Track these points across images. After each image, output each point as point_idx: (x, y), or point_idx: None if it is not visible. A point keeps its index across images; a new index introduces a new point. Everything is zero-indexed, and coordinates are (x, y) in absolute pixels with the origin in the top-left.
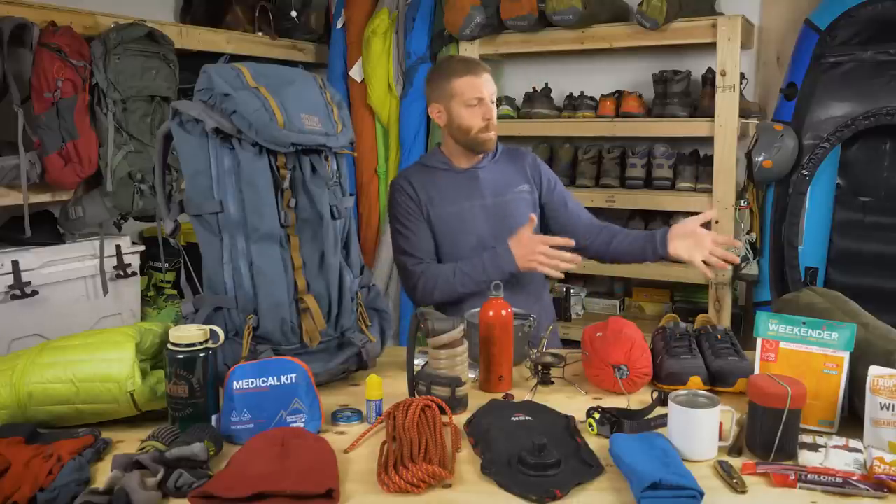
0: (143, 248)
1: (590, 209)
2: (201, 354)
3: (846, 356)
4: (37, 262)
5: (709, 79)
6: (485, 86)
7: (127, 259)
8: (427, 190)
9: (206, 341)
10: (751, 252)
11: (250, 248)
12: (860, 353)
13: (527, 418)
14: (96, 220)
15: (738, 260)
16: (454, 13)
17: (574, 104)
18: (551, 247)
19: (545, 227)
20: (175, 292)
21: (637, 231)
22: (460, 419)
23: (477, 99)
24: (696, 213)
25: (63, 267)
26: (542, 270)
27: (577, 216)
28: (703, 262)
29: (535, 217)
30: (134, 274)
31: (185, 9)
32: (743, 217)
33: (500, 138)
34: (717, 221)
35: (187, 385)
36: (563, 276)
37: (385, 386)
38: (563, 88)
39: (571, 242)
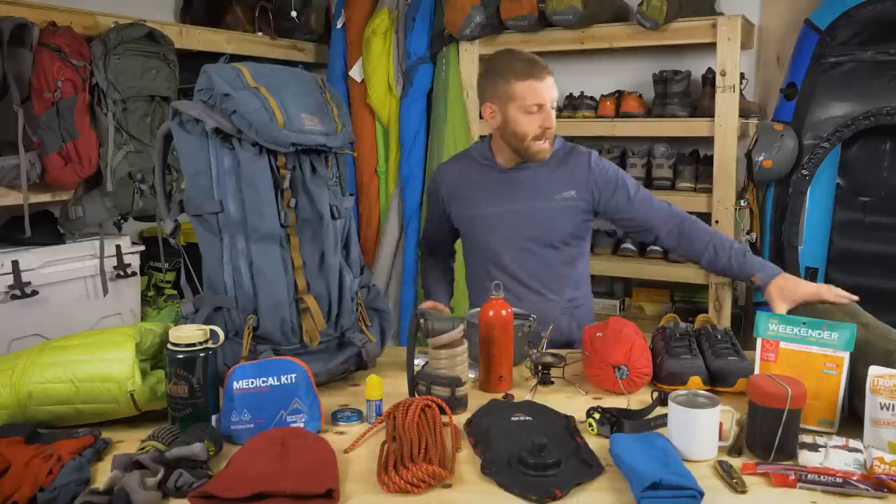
0: (143, 248)
1: None
2: (201, 354)
3: (846, 356)
4: (37, 262)
5: (709, 79)
6: (547, 91)
7: (127, 259)
8: (457, 190)
9: (206, 341)
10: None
11: (250, 248)
12: (860, 353)
13: (527, 418)
14: (96, 220)
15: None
16: (454, 13)
17: (574, 104)
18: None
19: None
20: (175, 292)
21: (730, 248)
22: (460, 419)
23: (537, 105)
24: (697, 213)
25: (63, 267)
26: None
27: (649, 209)
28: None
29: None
30: (134, 274)
31: (185, 9)
32: (743, 217)
33: None
34: (717, 221)
35: (187, 385)
36: None
37: (385, 386)
38: (563, 88)
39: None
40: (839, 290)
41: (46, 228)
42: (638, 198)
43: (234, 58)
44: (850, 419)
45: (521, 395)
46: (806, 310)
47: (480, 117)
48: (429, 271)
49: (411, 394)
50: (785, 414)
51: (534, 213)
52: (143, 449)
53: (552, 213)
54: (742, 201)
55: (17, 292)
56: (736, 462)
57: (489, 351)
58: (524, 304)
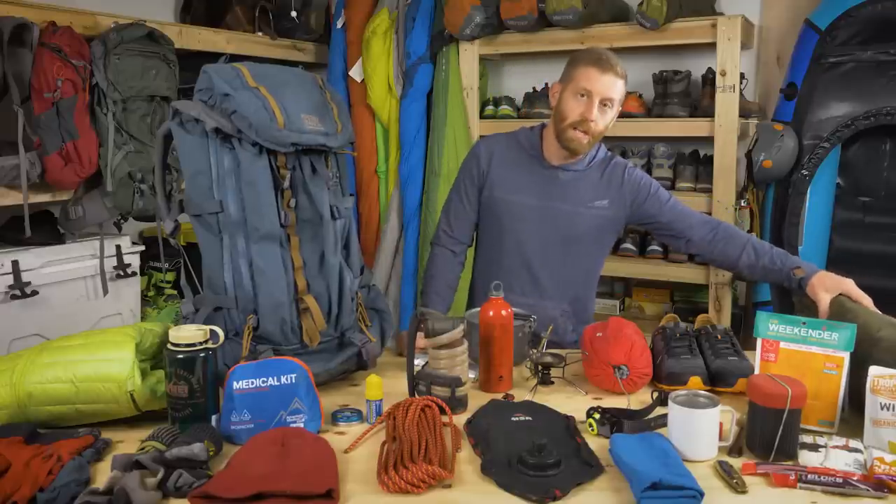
0: (143, 248)
1: None
2: (201, 354)
3: (846, 356)
4: (37, 262)
5: (709, 79)
6: (601, 82)
7: (127, 259)
8: (502, 168)
9: (206, 341)
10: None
11: (250, 248)
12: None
13: (527, 418)
14: (96, 220)
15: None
16: (454, 13)
17: None
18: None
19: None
20: (175, 292)
21: (769, 249)
22: (460, 419)
23: (585, 90)
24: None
25: (63, 267)
26: None
27: (681, 215)
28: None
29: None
30: (134, 274)
31: (185, 9)
32: (743, 217)
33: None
34: None
35: (187, 385)
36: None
37: (385, 386)
38: None
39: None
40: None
41: (46, 228)
42: (670, 204)
43: (234, 58)
44: (851, 419)
45: (521, 395)
46: (833, 307)
47: (480, 117)
48: (434, 277)
49: (411, 394)
50: (785, 414)
51: (566, 215)
52: (143, 449)
53: (582, 219)
54: (742, 201)
55: (17, 292)
56: (736, 462)
57: (489, 351)
58: (526, 299)
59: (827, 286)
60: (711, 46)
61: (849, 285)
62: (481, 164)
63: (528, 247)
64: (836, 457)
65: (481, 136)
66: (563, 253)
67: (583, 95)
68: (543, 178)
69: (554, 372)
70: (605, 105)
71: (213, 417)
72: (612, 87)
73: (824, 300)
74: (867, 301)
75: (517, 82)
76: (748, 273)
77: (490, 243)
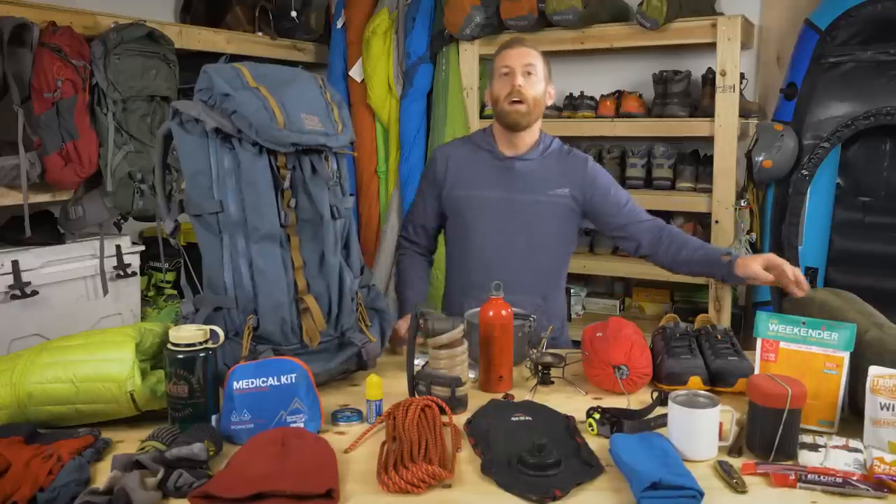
0: (143, 248)
1: None
2: (201, 354)
3: (846, 356)
4: (37, 262)
5: (709, 79)
6: (515, 55)
7: (127, 259)
8: (459, 169)
9: (206, 341)
10: (751, 252)
11: (250, 248)
12: (874, 353)
13: (527, 418)
14: (96, 220)
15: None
16: (454, 13)
17: (574, 104)
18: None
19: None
20: (175, 292)
21: (703, 244)
22: (460, 419)
23: (506, 67)
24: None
25: (63, 267)
26: None
27: (636, 220)
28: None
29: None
30: (134, 274)
31: (185, 9)
32: (743, 217)
33: None
34: (716, 221)
35: (187, 385)
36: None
37: (385, 386)
38: (563, 88)
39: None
40: (801, 277)
41: (46, 228)
42: (628, 208)
43: (234, 58)
44: (851, 419)
45: (521, 395)
46: (818, 309)
47: (480, 117)
48: (406, 277)
49: (411, 394)
50: (785, 414)
51: (527, 205)
52: (143, 449)
53: (543, 207)
54: (742, 201)
55: (17, 292)
56: (736, 462)
57: (489, 351)
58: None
59: (754, 258)
60: (711, 46)
61: (771, 255)
62: (439, 168)
63: (494, 241)
64: (836, 457)
65: (441, 144)
66: (528, 245)
67: (505, 74)
68: (501, 171)
69: (554, 372)
70: (528, 73)
71: (213, 417)
72: (527, 54)
73: (757, 270)
74: (788, 267)
75: None
76: (686, 270)
77: (457, 244)
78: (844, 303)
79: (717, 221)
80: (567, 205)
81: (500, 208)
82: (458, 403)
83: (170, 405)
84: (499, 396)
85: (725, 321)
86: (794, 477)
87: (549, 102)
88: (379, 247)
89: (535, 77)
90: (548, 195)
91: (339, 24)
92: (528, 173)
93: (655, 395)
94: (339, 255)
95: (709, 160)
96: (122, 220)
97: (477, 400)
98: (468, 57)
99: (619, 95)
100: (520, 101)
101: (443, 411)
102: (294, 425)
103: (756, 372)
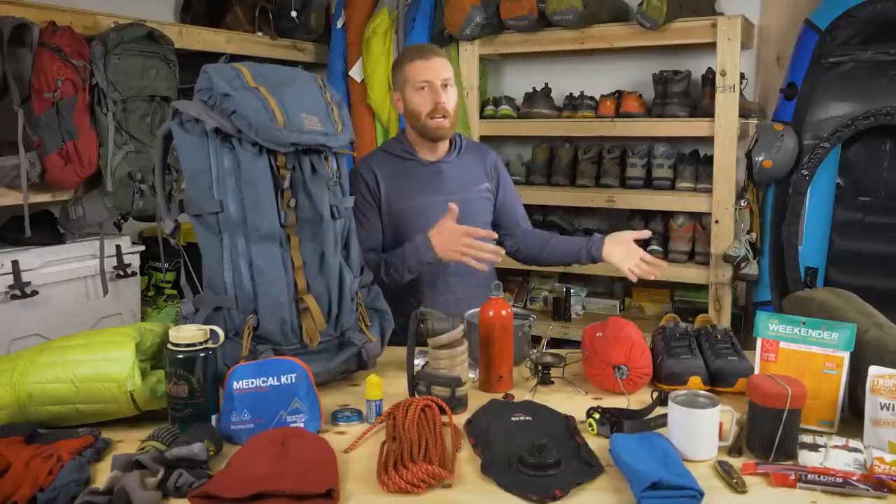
0: (143, 248)
1: (590, 210)
2: (201, 354)
3: (846, 356)
4: (37, 262)
5: (709, 79)
6: (433, 69)
7: (127, 259)
8: (390, 182)
9: (206, 341)
10: (751, 252)
11: (250, 248)
12: (874, 353)
13: (527, 418)
14: (96, 220)
15: (658, 272)
16: (454, 13)
17: (574, 104)
18: (475, 238)
19: (494, 225)
20: (175, 292)
21: (571, 237)
22: (460, 419)
23: (425, 82)
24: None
25: (63, 267)
26: (463, 261)
27: (520, 218)
28: (630, 270)
29: (455, 207)
30: (134, 274)
31: (185, 9)
32: (743, 217)
33: (502, 138)
34: (717, 221)
35: (187, 385)
36: (485, 268)
37: (385, 386)
38: (563, 88)
39: (494, 235)
40: (647, 257)
41: (46, 228)
42: (520, 208)
43: (234, 58)
44: (851, 419)
45: (521, 395)
46: (818, 309)
47: (480, 117)
48: (386, 257)
49: (411, 394)
50: (785, 414)
51: (460, 204)
52: (143, 449)
53: (473, 203)
54: (742, 201)
55: (17, 292)
56: (736, 462)
57: (489, 351)
58: (454, 295)
59: (613, 240)
60: (711, 46)
61: (627, 233)
62: (369, 182)
63: None
64: (836, 457)
65: (357, 162)
66: None
67: (423, 87)
68: (429, 176)
69: (554, 372)
70: (445, 85)
71: (213, 417)
72: (443, 67)
73: (614, 252)
74: (631, 237)
75: (517, 82)
76: (556, 261)
77: None
78: (844, 303)
79: (717, 221)
80: (489, 198)
81: (440, 211)
82: (458, 403)
83: (170, 405)
84: (499, 396)
85: (725, 321)
86: (794, 477)
87: None
88: None
89: (451, 88)
90: (474, 192)
91: (339, 24)
92: (454, 175)
93: (655, 395)
94: (339, 254)
95: (709, 160)
96: (122, 220)
97: (477, 400)
98: (468, 57)
99: (619, 95)
100: (443, 117)
101: (443, 411)
102: (294, 425)
103: (756, 372)
